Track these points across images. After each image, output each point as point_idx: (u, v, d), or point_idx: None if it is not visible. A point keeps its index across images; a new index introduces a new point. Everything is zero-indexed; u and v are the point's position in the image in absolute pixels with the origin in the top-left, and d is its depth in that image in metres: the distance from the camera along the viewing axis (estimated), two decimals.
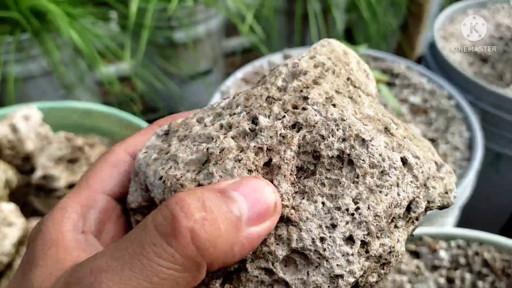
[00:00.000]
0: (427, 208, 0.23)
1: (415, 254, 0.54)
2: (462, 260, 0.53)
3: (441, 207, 0.24)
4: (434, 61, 0.84)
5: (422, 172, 0.22)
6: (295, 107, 0.22)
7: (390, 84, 0.75)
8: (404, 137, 0.23)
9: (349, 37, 1.64)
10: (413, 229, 0.23)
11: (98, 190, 0.24)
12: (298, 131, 0.21)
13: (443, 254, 0.53)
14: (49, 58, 1.15)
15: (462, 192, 0.62)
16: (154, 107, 1.45)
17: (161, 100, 1.33)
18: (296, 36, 1.50)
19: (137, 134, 0.27)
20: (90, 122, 0.67)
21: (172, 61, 1.37)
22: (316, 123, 0.21)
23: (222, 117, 0.23)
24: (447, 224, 0.65)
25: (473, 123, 0.69)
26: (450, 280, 0.52)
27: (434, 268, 0.53)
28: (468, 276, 0.52)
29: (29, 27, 1.12)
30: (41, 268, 0.20)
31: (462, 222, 0.74)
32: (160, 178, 0.22)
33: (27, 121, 0.61)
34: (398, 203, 0.21)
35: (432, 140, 0.68)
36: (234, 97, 0.24)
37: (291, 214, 0.20)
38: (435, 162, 0.24)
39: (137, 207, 0.24)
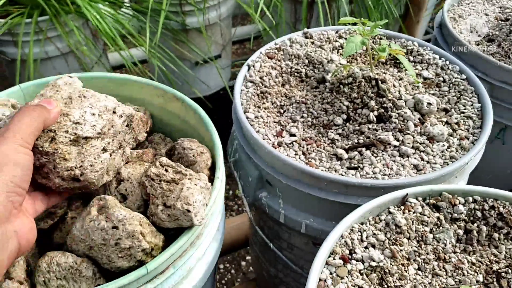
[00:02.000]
0: None
1: (436, 208, 0.59)
2: (478, 214, 0.58)
3: None
4: (443, 40, 0.89)
5: None
6: None
7: None
8: None
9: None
10: None
11: None
12: None
13: (461, 208, 0.58)
14: (68, 40, 1.18)
15: (475, 156, 0.67)
16: None
17: (174, 83, 1.36)
18: (303, 24, 1.54)
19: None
20: (125, 92, 0.71)
21: (183, 46, 1.41)
22: None
23: None
24: None
25: (483, 94, 0.74)
26: (467, 231, 0.57)
27: (453, 220, 0.58)
28: (484, 228, 0.57)
29: (48, 9, 1.14)
30: None
31: None
32: None
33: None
34: None
35: (446, 110, 0.73)
36: None
37: None
38: None
39: None
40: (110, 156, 0.52)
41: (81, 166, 0.49)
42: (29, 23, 1.17)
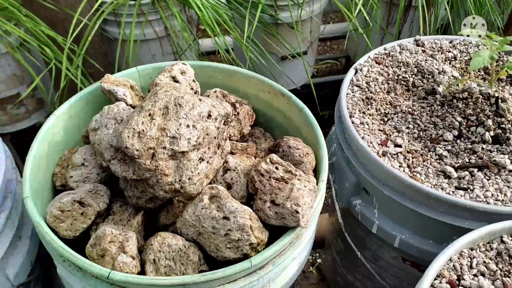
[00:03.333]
0: None
1: None
2: None
3: None
4: None
5: None
6: None
7: None
8: None
9: (444, 32, 1.60)
10: None
11: None
12: None
13: None
14: (167, 24, 1.22)
15: None
16: None
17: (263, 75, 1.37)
18: (396, 28, 1.49)
19: None
20: (232, 83, 0.72)
21: (272, 39, 1.41)
22: None
23: None
24: None
25: None
26: None
27: None
28: None
29: None
30: None
31: None
32: None
33: (183, 75, 0.67)
34: None
35: None
36: None
37: None
38: None
39: None
40: (208, 163, 0.54)
41: (180, 180, 0.51)
42: (132, 5, 1.22)
